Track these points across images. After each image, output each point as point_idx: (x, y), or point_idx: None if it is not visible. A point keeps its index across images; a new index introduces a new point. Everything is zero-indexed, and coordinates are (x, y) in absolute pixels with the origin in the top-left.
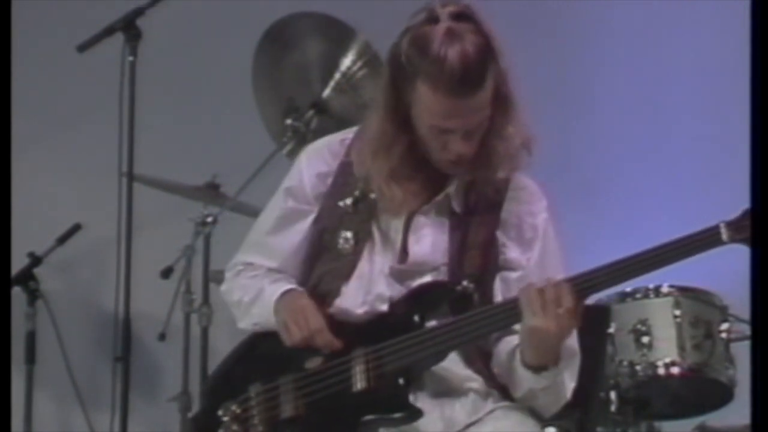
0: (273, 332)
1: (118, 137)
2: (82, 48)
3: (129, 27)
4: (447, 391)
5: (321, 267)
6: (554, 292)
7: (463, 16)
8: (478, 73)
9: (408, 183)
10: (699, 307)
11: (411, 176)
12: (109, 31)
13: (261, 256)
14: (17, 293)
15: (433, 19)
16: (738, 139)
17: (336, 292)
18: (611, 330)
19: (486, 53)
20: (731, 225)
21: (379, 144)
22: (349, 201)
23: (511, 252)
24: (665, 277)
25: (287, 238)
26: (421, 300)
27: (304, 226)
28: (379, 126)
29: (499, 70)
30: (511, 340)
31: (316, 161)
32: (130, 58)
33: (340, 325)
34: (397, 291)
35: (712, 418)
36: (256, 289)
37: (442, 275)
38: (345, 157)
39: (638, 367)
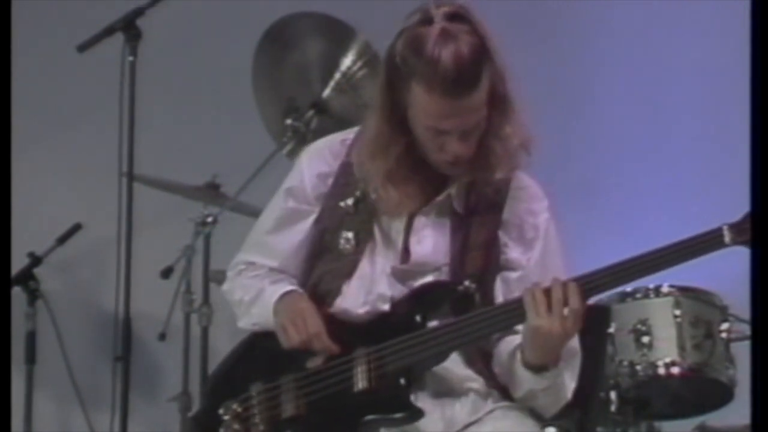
0: (273, 332)
1: (118, 137)
2: (82, 48)
3: (129, 27)
4: (447, 391)
5: (322, 267)
6: (562, 291)
7: (457, 16)
8: (472, 73)
9: (405, 185)
10: (699, 307)
11: (408, 178)
12: (109, 31)
13: (262, 255)
14: (17, 293)
15: (427, 20)
16: (738, 139)
17: (336, 292)
18: (611, 330)
19: (481, 53)
20: (734, 227)
21: (377, 145)
22: (350, 201)
23: (513, 252)
24: (665, 276)
25: (288, 238)
26: (422, 300)
27: (305, 226)
28: (376, 127)
29: (495, 70)
30: (512, 341)
31: (317, 162)
32: (130, 58)
33: (341, 324)
34: (399, 291)
35: (712, 418)
36: (257, 290)
37: (444, 275)
38: (346, 158)
39: (638, 367)
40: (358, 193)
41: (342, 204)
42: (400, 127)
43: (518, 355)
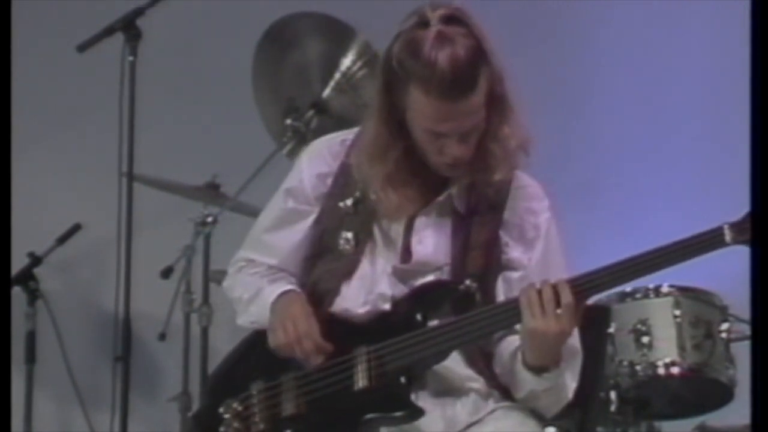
0: None
1: (118, 137)
2: (82, 48)
3: (129, 27)
4: (448, 390)
5: (322, 266)
6: (552, 291)
7: (453, 19)
8: (469, 75)
9: (404, 188)
10: (699, 307)
11: (408, 181)
12: (109, 31)
13: (261, 253)
14: (17, 293)
15: (423, 23)
16: (738, 139)
17: (335, 291)
18: (611, 330)
19: (477, 56)
20: (734, 227)
21: (375, 148)
22: (349, 202)
23: (513, 252)
24: (665, 276)
25: (288, 237)
26: (423, 299)
27: (304, 226)
28: (374, 130)
29: (493, 71)
30: (513, 341)
31: (316, 162)
32: (130, 58)
33: (341, 324)
34: (400, 290)
35: (712, 418)
36: (256, 288)
37: (445, 275)
38: (345, 158)
39: (638, 367)
40: (357, 194)
41: (341, 204)
42: (399, 130)
43: (519, 356)
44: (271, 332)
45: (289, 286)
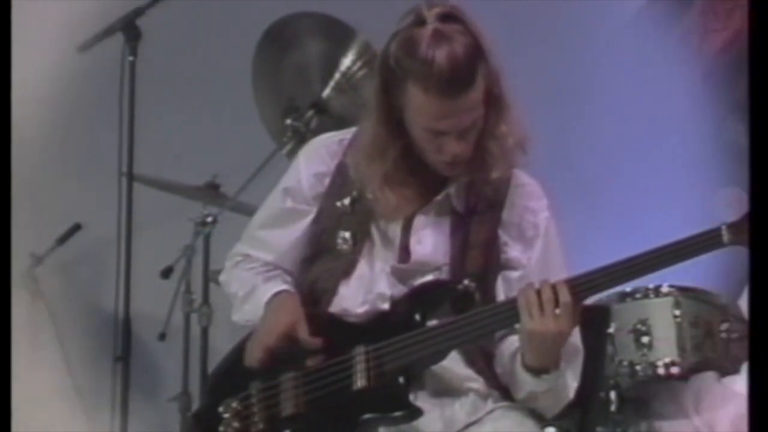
0: None
1: (118, 137)
2: (82, 48)
3: (129, 27)
4: (447, 390)
5: (320, 266)
6: (550, 292)
7: (450, 17)
8: (467, 72)
9: (402, 188)
10: (699, 307)
11: (406, 181)
12: (109, 31)
13: (258, 249)
14: (17, 293)
15: (420, 22)
16: (737, 139)
17: (333, 291)
18: (611, 330)
19: (475, 53)
20: (732, 228)
21: (374, 148)
22: (346, 201)
23: (513, 251)
24: (665, 276)
25: (285, 234)
26: (422, 299)
27: (302, 225)
28: (372, 130)
29: (490, 69)
30: (514, 341)
31: (314, 161)
32: (130, 58)
33: (340, 323)
34: (399, 290)
35: None
36: (250, 286)
37: (444, 275)
38: (343, 158)
39: (638, 367)
40: (354, 193)
41: (339, 204)
42: (397, 129)
43: (518, 358)
44: (257, 337)
45: (284, 286)
